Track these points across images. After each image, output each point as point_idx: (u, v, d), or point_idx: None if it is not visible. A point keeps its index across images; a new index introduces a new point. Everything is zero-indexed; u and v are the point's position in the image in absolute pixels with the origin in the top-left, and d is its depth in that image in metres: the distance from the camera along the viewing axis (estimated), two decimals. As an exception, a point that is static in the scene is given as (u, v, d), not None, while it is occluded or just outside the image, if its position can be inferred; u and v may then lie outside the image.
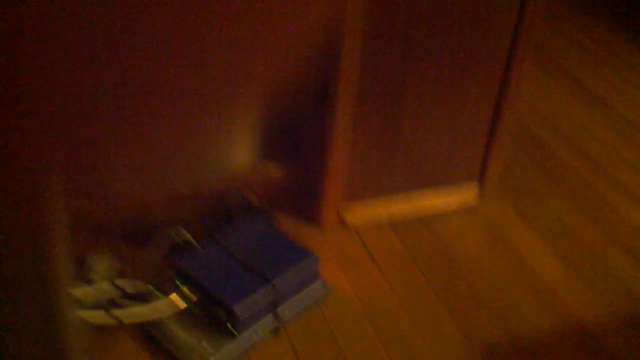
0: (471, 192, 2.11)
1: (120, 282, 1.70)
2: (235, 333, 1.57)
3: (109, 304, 1.58)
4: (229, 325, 1.58)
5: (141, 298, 1.67)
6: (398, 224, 2.02)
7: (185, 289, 1.63)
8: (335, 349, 1.64)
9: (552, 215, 2.09)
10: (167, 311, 1.60)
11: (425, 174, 2.04)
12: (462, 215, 2.08)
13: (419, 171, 2.02)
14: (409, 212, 2.05)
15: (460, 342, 1.68)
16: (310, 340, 1.67)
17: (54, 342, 0.99)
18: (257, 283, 1.62)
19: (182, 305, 1.61)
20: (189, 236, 1.77)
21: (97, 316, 1.56)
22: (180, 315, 1.62)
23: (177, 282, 1.65)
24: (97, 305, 1.61)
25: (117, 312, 1.58)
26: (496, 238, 2.00)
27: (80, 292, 1.64)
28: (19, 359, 0.95)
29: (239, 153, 1.88)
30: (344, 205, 1.99)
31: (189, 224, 1.81)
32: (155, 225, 1.88)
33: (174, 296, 1.63)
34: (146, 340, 1.63)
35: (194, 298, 1.61)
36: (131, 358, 1.60)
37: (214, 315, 1.59)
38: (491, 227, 2.04)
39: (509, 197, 2.15)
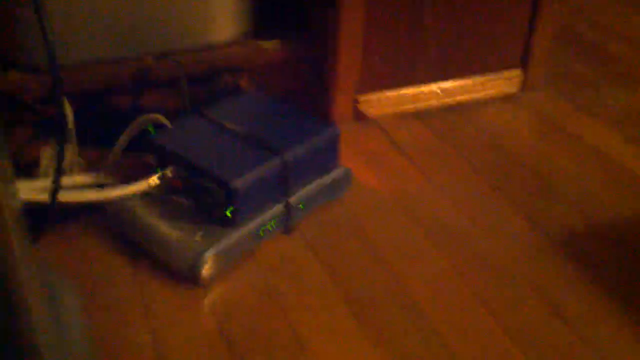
0: (513, 80, 1.71)
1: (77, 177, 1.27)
2: (228, 214, 1.14)
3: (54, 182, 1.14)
4: (227, 211, 1.15)
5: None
6: (426, 115, 1.61)
7: (165, 171, 1.20)
8: (367, 248, 1.22)
9: (614, 103, 1.71)
10: (134, 189, 1.18)
11: (455, 61, 1.64)
12: (505, 104, 1.68)
13: (448, 59, 1.63)
14: (438, 102, 1.65)
15: (530, 233, 1.28)
16: (332, 238, 1.24)
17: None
18: (262, 157, 1.20)
19: (154, 182, 1.18)
20: (164, 121, 1.34)
21: (33, 190, 1.12)
22: (163, 209, 1.19)
23: (150, 159, 1.22)
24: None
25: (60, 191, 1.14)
26: (552, 126, 1.60)
27: (25, 186, 1.20)
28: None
29: (221, 17, 1.46)
30: (360, 94, 1.58)
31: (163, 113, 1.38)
32: (119, 112, 1.45)
33: (147, 175, 1.20)
34: (124, 244, 1.20)
35: (171, 175, 1.19)
36: (103, 267, 1.17)
37: (207, 201, 1.16)
38: (542, 115, 1.64)
39: (558, 86, 1.76)
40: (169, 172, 1.19)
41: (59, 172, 1.14)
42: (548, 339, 1.06)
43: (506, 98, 1.69)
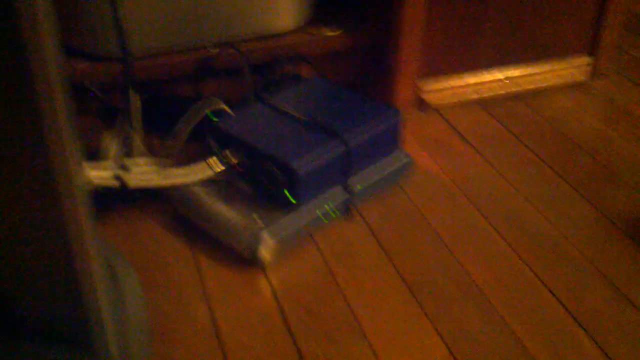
0: (581, 67, 1.67)
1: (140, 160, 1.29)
2: (293, 200, 1.15)
3: (121, 167, 1.16)
4: (288, 194, 1.15)
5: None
6: (490, 102, 1.59)
7: (226, 153, 1.21)
8: (427, 233, 1.21)
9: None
10: (199, 175, 1.19)
11: (521, 48, 1.61)
12: (572, 92, 1.64)
13: (513, 44, 1.60)
14: (502, 89, 1.62)
15: (594, 219, 1.24)
16: (392, 222, 1.24)
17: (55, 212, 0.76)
18: (324, 142, 1.20)
19: (219, 168, 1.19)
20: (225, 107, 1.35)
21: (101, 175, 1.15)
22: (225, 192, 1.20)
23: (213, 145, 1.23)
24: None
25: (128, 176, 1.17)
26: (620, 114, 1.56)
27: (91, 168, 1.23)
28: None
29: (282, 5, 1.47)
30: (422, 83, 1.57)
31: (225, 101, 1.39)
32: (182, 99, 1.47)
33: (210, 160, 1.21)
34: (184, 226, 1.21)
35: (234, 160, 1.20)
36: (163, 248, 1.18)
37: (269, 184, 1.17)
38: (610, 103, 1.60)
39: (627, 73, 1.70)
40: (231, 157, 1.20)
41: (126, 158, 1.16)
42: (615, 323, 1.03)
43: (574, 86, 1.65)
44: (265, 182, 1.17)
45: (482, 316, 1.04)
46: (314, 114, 1.25)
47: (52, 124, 0.72)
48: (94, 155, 1.29)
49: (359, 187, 1.24)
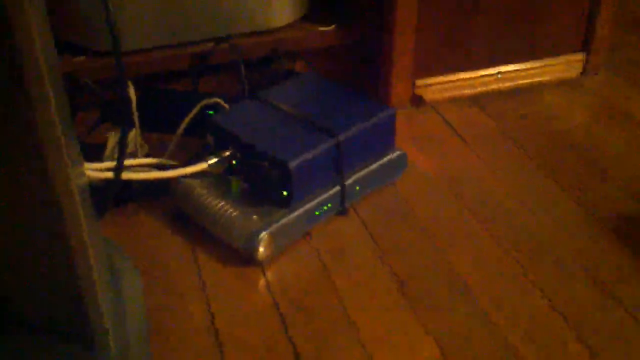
0: (574, 64, 1.69)
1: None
2: (284, 194, 1.17)
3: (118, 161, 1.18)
4: (283, 192, 1.17)
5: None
6: (483, 100, 1.61)
7: (223, 152, 1.23)
8: (419, 231, 1.24)
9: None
10: (194, 168, 1.21)
11: (514, 44, 1.63)
12: (563, 88, 1.66)
13: (507, 40, 1.61)
14: (496, 87, 1.64)
15: (582, 216, 1.27)
16: (386, 220, 1.26)
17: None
18: (317, 138, 1.22)
19: (213, 163, 1.21)
20: (223, 104, 1.37)
21: (98, 170, 1.17)
22: (221, 189, 1.22)
23: (209, 139, 1.26)
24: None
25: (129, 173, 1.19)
26: (610, 110, 1.58)
27: (91, 167, 1.24)
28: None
29: (277, 1, 1.49)
30: (416, 78, 1.59)
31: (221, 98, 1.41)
32: (179, 93, 1.49)
33: (206, 155, 1.23)
34: (182, 223, 1.24)
35: (228, 154, 1.22)
36: (162, 245, 1.21)
37: (264, 181, 1.19)
38: (601, 99, 1.62)
39: (619, 70, 1.73)
40: (226, 153, 1.22)
41: (123, 151, 1.18)
42: (600, 318, 1.06)
43: (566, 82, 1.68)
44: (258, 178, 1.19)
45: (469, 313, 1.08)
46: (309, 111, 1.27)
47: (46, 122, 0.74)
48: (92, 150, 1.31)
49: (353, 185, 1.26)
